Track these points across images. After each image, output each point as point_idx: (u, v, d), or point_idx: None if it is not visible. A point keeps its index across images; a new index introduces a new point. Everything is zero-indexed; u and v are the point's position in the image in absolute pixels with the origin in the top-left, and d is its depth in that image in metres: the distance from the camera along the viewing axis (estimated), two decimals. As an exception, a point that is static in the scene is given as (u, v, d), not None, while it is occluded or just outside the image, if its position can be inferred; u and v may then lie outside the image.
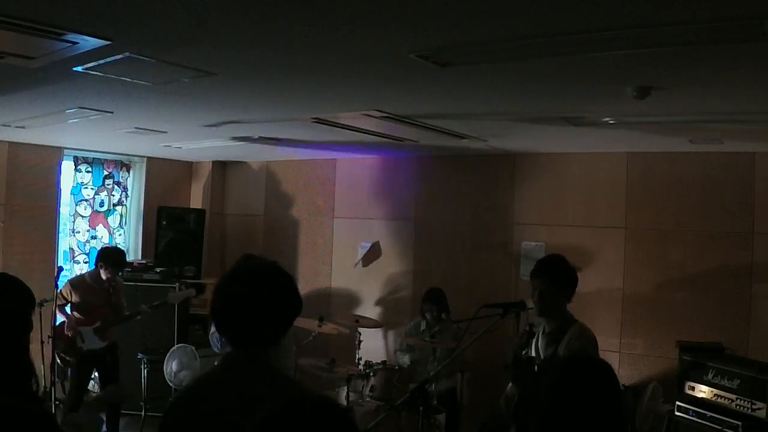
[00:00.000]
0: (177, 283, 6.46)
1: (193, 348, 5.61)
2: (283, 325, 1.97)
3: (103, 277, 5.38)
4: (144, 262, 7.00)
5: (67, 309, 5.36)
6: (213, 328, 4.69)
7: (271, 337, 1.95)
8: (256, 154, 7.47)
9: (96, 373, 5.67)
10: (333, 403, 1.39)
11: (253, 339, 1.92)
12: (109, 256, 5.43)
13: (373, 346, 6.50)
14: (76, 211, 7.18)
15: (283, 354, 4.82)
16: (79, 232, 7.21)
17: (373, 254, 7.01)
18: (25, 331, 1.88)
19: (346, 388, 5.23)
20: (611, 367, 1.88)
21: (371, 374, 5.29)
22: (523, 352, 3.61)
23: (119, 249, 6.08)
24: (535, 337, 3.65)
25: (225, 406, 1.83)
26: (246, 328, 1.91)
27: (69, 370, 5.40)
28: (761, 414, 4.16)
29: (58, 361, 5.19)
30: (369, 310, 6.88)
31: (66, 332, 5.25)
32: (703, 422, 4.43)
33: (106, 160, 7.42)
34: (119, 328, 6.17)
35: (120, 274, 5.64)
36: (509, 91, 3.63)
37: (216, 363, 2.09)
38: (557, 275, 3.48)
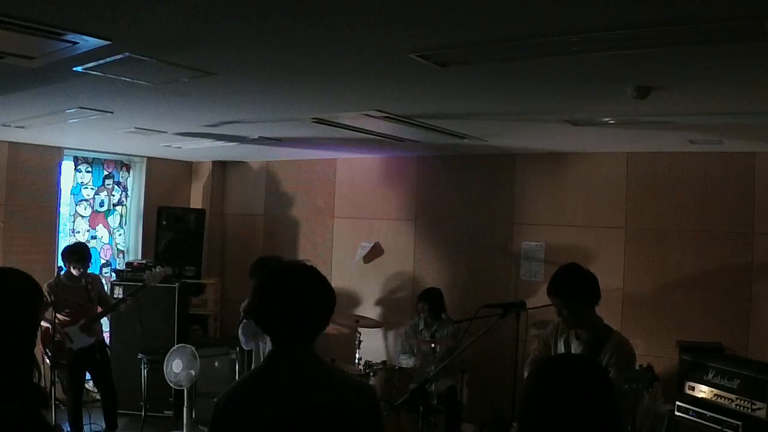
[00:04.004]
0: (154, 269, 6.33)
1: (193, 348, 5.60)
2: (321, 321, 2.07)
3: (75, 273, 5.43)
4: (144, 262, 6.99)
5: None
6: (245, 321, 4.46)
7: (315, 333, 2.05)
8: (256, 154, 7.47)
9: (89, 374, 5.69)
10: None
11: (300, 336, 2.01)
12: (72, 252, 5.50)
13: (373, 346, 6.50)
14: (76, 211, 7.18)
15: None
16: (79, 232, 7.20)
17: (375, 252, 7.01)
18: (33, 328, 1.86)
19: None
20: (599, 364, 1.87)
21: (371, 374, 5.28)
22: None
23: (80, 242, 6.21)
24: (564, 336, 3.60)
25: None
26: (295, 327, 2.00)
27: (63, 374, 5.41)
28: (761, 414, 4.17)
29: (47, 361, 5.19)
30: (369, 310, 6.88)
31: (55, 336, 5.23)
32: (703, 422, 4.43)
33: (106, 160, 7.42)
34: (119, 328, 6.19)
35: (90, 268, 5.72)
36: (509, 91, 3.63)
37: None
38: (571, 292, 3.42)
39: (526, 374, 3.78)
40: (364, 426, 1.94)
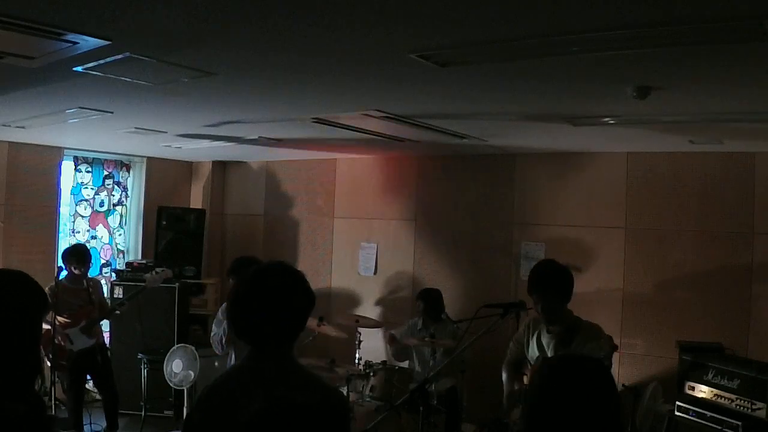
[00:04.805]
0: (155, 270, 6.25)
1: (193, 348, 5.60)
2: (303, 321, 2.05)
3: (76, 272, 5.43)
4: (144, 262, 6.99)
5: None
6: (215, 329, 4.64)
7: (295, 333, 2.03)
8: (256, 154, 7.47)
9: (90, 376, 5.69)
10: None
11: (278, 340, 1.99)
12: (73, 253, 5.50)
13: (373, 346, 6.49)
14: (76, 211, 7.18)
15: None
16: (79, 232, 7.20)
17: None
18: (33, 330, 1.86)
19: (346, 388, 5.23)
20: (603, 363, 1.89)
21: (371, 374, 5.28)
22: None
23: (80, 244, 6.20)
24: (535, 333, 3.66)
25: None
26: (270, 332, 1.98)
27: (63, 375, 5.41)
28: (761, 414, 4.17)
29: (48, 363, 5.20)
30: (369, 310, 6.88)
31: (55, 339, 5.23)
32: (703, 422, 4.43)
33: (106, 160, 7.42)
34: (119, 328, 6.17)
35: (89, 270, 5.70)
36: (509, 91, 3.63)
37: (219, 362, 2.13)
38: (556, 286, 3.48)
39: (504, 376, 3.83)
40: (342, 428, 1.97)
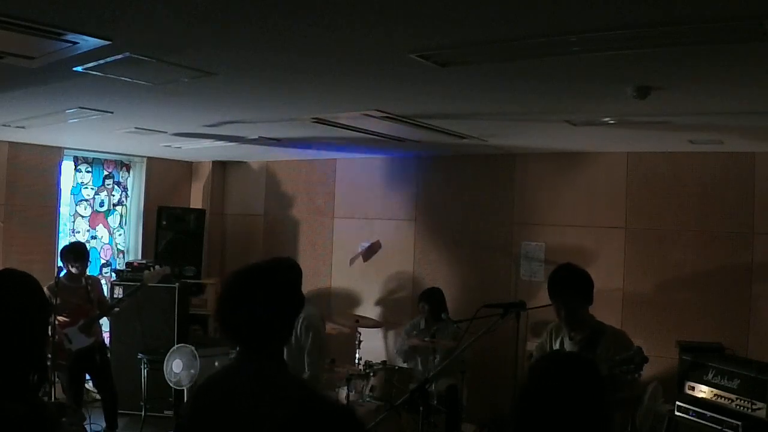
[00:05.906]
0: (152, 267, 6.22)
1: (193, 348, 5.61)
2: (286, 324, 1.98)
3: (74, 271, 5.42)
4: (144, 262, 6.99)
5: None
6: None
7: (278, 337, 1.96)
8: (256, 154, 7.47)
9: (89, 376, 5.69)
10: (347, 411, 1.41)
11: (259, 342, 1.93)
12: (70, 251, 5.50)
13: (373, 346, 6.50)
14: (76, 211, 7.18)
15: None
16: (79, 232, 7.20)
17: (372, 250, 6.97)
18: (33, 329, 1.85)
19: (346, 388, 5.23)
20: (594, 363, 1.89)
21: (371, 374, 5.28)
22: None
23: (77, 241, 6.19)
24: (559, 339, 3.63)
25: (246, 405, 1.86)
26: (248, 333, 1.93)
27: (62, 375, 5.41)
28: (761, 414, 4.16)
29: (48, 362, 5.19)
30: (369, 310, 6.88)
31: (54, 337, 5.22)
32: (703, 422, 4.42)
33: (106, 160, 7.42)
34: (119, 328, 6.15)
35: (88, 268, 5.69)
36: (509, 91, 3.63)
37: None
38: (575, 287, 3.46)
39: None
40: None
